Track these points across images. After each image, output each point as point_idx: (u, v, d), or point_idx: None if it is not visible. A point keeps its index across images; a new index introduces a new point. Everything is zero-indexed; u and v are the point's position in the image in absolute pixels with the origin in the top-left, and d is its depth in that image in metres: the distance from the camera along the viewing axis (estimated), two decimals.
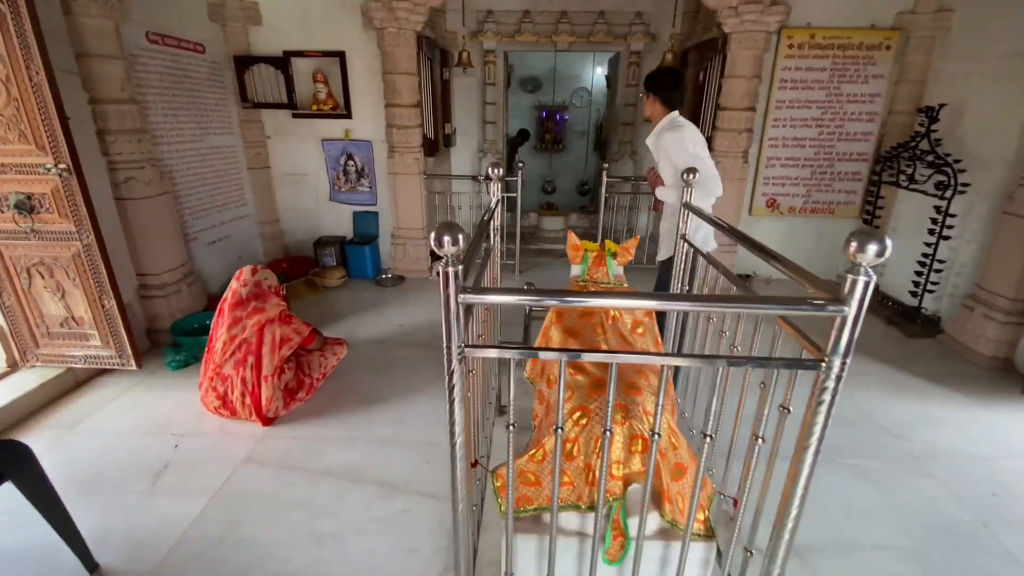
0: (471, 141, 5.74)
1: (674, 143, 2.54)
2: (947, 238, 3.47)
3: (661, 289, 2.89)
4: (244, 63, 4.07)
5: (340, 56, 4.10)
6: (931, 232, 3.55)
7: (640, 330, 1.79)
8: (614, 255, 1.99)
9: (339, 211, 4.62)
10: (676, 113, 2.68)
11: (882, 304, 4.01)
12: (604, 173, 4.39)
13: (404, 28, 3.88)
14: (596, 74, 7.66)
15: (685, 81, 2.83)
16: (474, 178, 4.55)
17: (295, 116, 4.30)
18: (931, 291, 3.63)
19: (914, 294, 3.73)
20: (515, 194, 4.49)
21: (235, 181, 4.17)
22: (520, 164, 4.41)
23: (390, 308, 3.93)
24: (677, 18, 4.76)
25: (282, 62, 4.11)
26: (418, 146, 4.30)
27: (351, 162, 4.43)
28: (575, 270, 2.09)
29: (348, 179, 4.50)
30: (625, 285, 2.04)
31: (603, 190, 4.44)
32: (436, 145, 4.80)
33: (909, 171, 3.75)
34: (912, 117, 4.02)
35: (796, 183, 4.32)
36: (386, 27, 3.86)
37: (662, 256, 2.91)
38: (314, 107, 4.22)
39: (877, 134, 4.17)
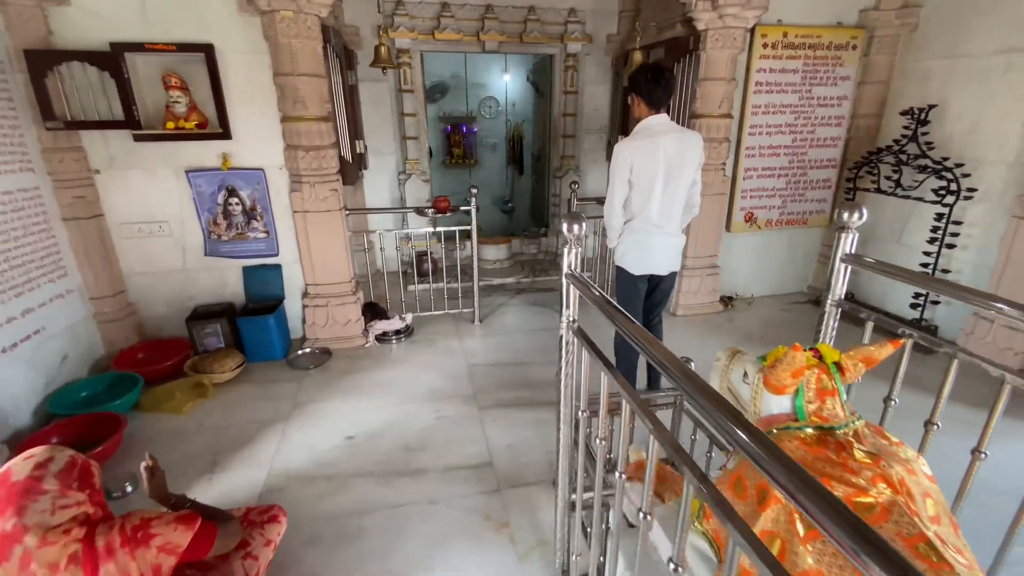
0: (387, 162, 4.66)
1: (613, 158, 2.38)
2: (952, 246, 3.26)
3: (623, 302, 2.62)
4: (43, 61, 2.63)
5: (206, 51, 2.84)
6: (932, 240, 3.33)
7: (930, 502, 1.00)
8: (840, 369, 1.16)
9: (222, 269, 3.28)
10: (655, 117, 2.39)
11: (882, 321, 3.75)
12: (573, 194, 3.64)
13: (305, 12, 2.76)
14: (506, 82, 6.97)
15: (672, 79, 2.43)
16: (420, 211, 3.50)
17: (139, 139, 2.92)
18: (936, 302, 3.42)
19: (915, 306, 3.50)
20: (469, 227, 3.55)
21: (42, 242, 2.68)
22: (474, 190, 3.48)
23: (323, 406, 2.75)
24: (622, 19, 4.20)
25: (111, 60, 2.73)
26: (334, 173, 3.17)
27: (234, 200, 3.15)
28: (776, 402, 1.17)
29: (232, 223, 3.20)
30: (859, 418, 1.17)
31: (573, 200, 3.68)
32: (354, 169, 3.68)
33: (895, 176, 3.53)
34: (876, 120, 3.86)
35: (772, 194, 3.96)
36: (278, 10, 2.71)
37: (629, 268, 2.59)
38: (170, 125, 2.89)
39: (844, 139, 3.96)
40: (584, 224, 1.32)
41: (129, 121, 2.85)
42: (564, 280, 1.34)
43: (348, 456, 2.34)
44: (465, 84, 6.76)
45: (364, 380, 3.02)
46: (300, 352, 3.30)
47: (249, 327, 3.15)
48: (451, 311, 3.83)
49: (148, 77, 2.87)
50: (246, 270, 3.31)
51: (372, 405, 2.75)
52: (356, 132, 4.16)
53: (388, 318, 3.55)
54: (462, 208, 3.53)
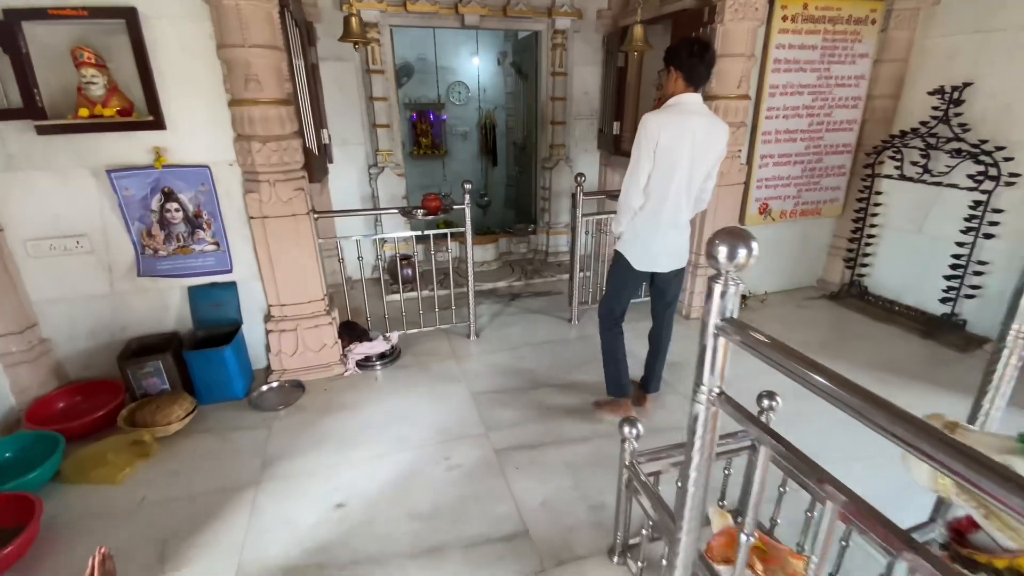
0: (355, 154, 4.07)
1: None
2: (990, 236, 3.03)
3: (616, 291, 2.38)
4: None
5: (127, 16, 2.21)
6: (968, 230, 3.09)
7: None
8: None
9: (161, 291, 2.67)
10: (690, 95, 2.09)
11: (907, 315, 3.53)
12: (579, 188, 3.20)
13: None
14: (476, 66, 6.43)
15: (715, 55, 2.14)
16: (406, 212, 2.95)
17: (43, 131, 2.27)
18: (971, 295, 3.19)
19: (945, 300, 3.27)
20: (464, 228, 3.06)
21: None
22: (467, 186, 2.97)
23: (300, 462, 2.22)
24: None
25: (5, 31, 2.08)
26: (299, 168, 2.61)
27: (173, 205, 2.54)
28: None
29: (172, 235, 2.58)
30: None
31: (579, 211, 3.24)
32: (321, 163, 3.10)
33: (923, 162, 3.27)
34: (892, 101, 3.60)
35: (788, 183, 3.65)
36: None
37: (631, 259, 2.27)
38: (83, 112, 2.25)
39: (860, 122, 3.69)
40: (753, 246, 0.87)
41: (29, 109, 2.21)
42: (711, 332, 0.90)
43: (340, 533, 1.83)
44: (435, 67, 6.18)
45: (348, 421, 2.49)
46: (266, 388, 2.73)
47: (200, 362, 2.56)
48: (442, 326, 3.33)
49: (54, 52, 2.22)
50: (193, 291, 2.70)
51: (362, 456, 2.24)
52: (320, 119, 3.56)
53: (370, 339, 3.03)
54: (456, 206, 3.03)
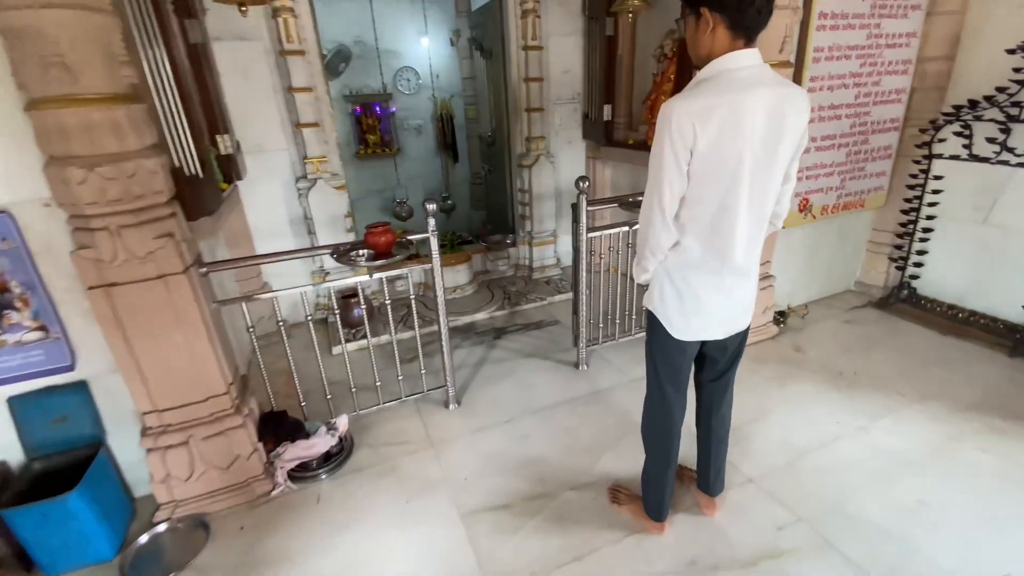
0: (276, 164, 3.09)
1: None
2: None
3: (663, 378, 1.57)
4: None
5: None
6: None
7: None
8: None
9: None
10: (742, 53, 1.23)
11: (979, 325, 2.90)
12: (582, 196, 2.36)
13: None
14: (426, 48, 5.47)
15: None
16: (343, 257, 1.98)
17: None
18: None
19: None
20: (431, 256, 2.18)
21: None
22: (430, 207, 2.07)
23: None
24: None
25: None
26: (162, 202, 1.66)
27: None
28: None
29: None
30: None
31: (582, 226, 2.41)
32: (212, 190, 2.12)
33: (1001, 138, 2.61)
34: (946, 64, 2.92)
35: (831, 172, 2.93)
36: None
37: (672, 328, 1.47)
38: None
39: (908, 91, 3.00)
40: None
41: None
42: None
43: None
44: (376, 51, 5.19)
45: None
46: (146, 538, 1.80)
47: (29, 523, 1.61)
48: (409, 396, 2.45)
49: None
50: (17, 403, 1.73)
51: None
52: (218, 121, 2.58)
53: (307, 434, 2.12)
54: (411, 236, 2.15)
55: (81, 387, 1.80)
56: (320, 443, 2.09)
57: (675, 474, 1.67)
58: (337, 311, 2.24)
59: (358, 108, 5.54)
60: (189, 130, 1.90)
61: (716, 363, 1.55)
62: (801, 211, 2.92)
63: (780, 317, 3.08)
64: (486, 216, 5.15)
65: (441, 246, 4.40)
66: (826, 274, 3.35)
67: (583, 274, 2.53)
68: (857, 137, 2.93)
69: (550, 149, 3.71)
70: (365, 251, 1.91)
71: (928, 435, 2.13)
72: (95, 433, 1.84)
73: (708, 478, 1.72)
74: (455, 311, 3.39)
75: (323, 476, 2.08)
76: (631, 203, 2.53)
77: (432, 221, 2.06)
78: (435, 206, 2.03)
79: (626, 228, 2.56)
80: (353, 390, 2.31)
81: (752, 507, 1.82)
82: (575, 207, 2.40)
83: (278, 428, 2.08)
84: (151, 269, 1.63)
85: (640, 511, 1.75)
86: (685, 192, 1.28)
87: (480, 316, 3.36)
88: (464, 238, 4.96)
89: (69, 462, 1.77)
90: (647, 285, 1.48)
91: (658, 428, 1.59)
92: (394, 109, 5.69)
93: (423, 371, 2.41)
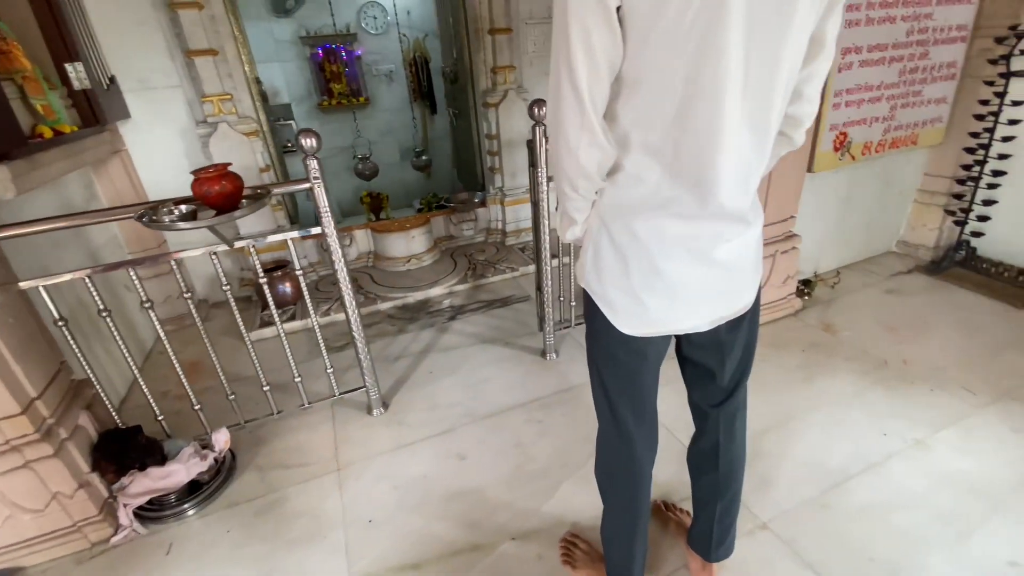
0: (167, 104, 2.47)
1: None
2: None
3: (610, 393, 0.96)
4: None
5: None
6: None
7: None
8: None
9: None
10: None
11: None
12: (539, 127, 1.71)
13: None
14: None
15: None
16: (155, 222, 1.31)
17: None
18: None
19: None
20: (320, 216, 1.58)
21: None
22: (307, 141, 1.44)
23: None
24: None
25: None
26: None
27: None
28: None
29: None
30: None
31: (541, 170, 1.77)
32: (3, 128, 1.51)
33: None
34: None
35: (878, 97, 2.23)
36: None
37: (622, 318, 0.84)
38: None
39: None
40: None
41: None
42: None
43: None
44: None
45: None
46: None
47: None
48: (317, 401, 1.90)
49: None
50: None
51: None
52: (65, 46, 1.96)
53: (162, 458, 1.59)
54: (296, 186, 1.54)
55: None
56: (180, 470, 1.55)
57: (646, 528, 1.09)
58: (265, 285, 1.65)
59: (319, 51, 4.83)
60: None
61: (711, 375, 0.95)
62: (836, 150, 2.25)
63: (804, 287, 2.46)
64: (457, 172, 4.50)
65: (418, 210, 3.83)
66: (864, 231, 2.69)
67: (546, 238, 1.91)
68: (915, 48, 2.21)
69: (522, 82, 3.02)
70: (190, 207, 1.30)
71: (1014, 453, 1.54)
72: None
73: (708, 538, 1.14)
74: (406, 285, 2.81)
75: (190, 513, 1.56)
76: None
77: (314, 165, 1.45)
78: (313, 141, 1.41)
79: None
80: (266, 388, 1.76)
81: (767, 570, 1.26)
82: (531, 145, 1.76)
83: (122, 452, 1.54)
84: None
85: None
86: (619, 63, 0.65)
87: (436, 291, 2.78)
88: (445, 201, 4.34)
89: None
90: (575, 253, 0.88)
91: (615, 472, 1.02)
92: (359, 52, 4.97)
93: (330, 368, 1.84)
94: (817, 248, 2.52)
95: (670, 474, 1.49)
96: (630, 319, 0.81)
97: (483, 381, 2.05)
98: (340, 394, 1.89)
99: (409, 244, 3.00)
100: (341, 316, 2.56)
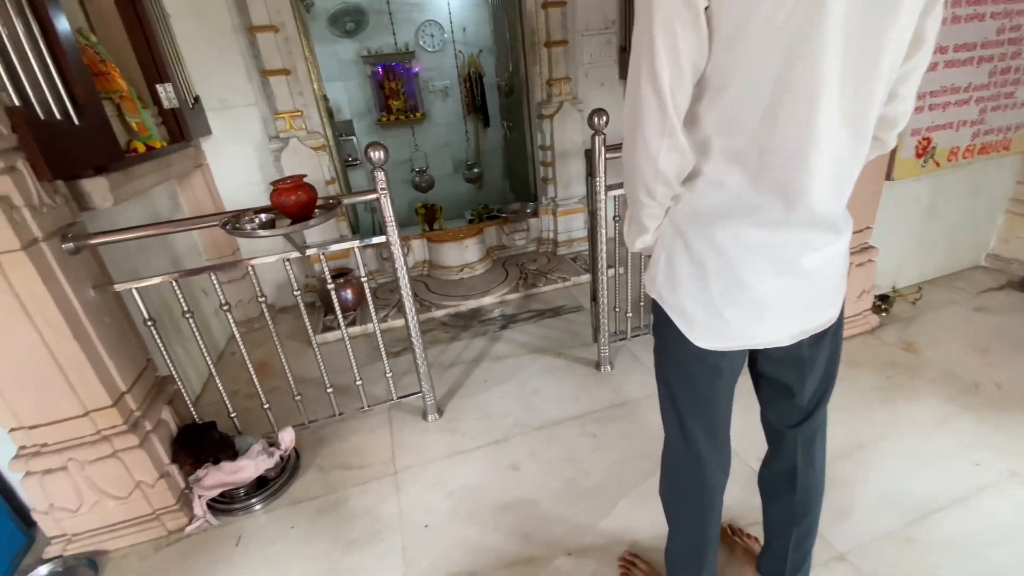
0: (243, 121, 2.64)
1: None
2: None
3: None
4: None
5: None
6: None
7: None
8: None
9: None
10: None
11: None
12: (598, 136, 1.69)
13: None
14: None
15: None
16: (235, 228, 1.40)
17: None
18: None
19: None
20: (385, 225, 1.63)
21: None
22: (378, 162, 1.50)
23: None
24: None
25: None
26: None
27: None
28: None
29: None
30: None
31: (599, 180, 1.76)
32: (87, 135, 1.66)
33: None
34: None
35: (966, 99, 2.08)
36: None
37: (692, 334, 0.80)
38: None
39: None
40: None
41: None
42: None
43: None
44: (387, 2, 4.63)
45: None
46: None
47: None
48: (376, 405, 1.95)
49: None
50: None
51: None
52: (156, 68, 2.14)
53: (233, 454, 1.67)
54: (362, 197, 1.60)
55: None
56: (249, 466, 1.63)
57: (716, 555, 1.04)
58: (333, 289, 1.74)
59: (379, 69, 5.04)
60: (56, 66, 1.44)
61: (789, 393, 0.90)
62: (919, 156, 2.10)
63: (881, 303, 2.30)
64: (509, 183, 4.54)
65: (469, 221, 3.90)
66: (948, 244, 2.49)
67: (602, 247, 1.89)
68: (1007, 47, 2.04)
69: (577, 94, 3.03)
70: (267, 216, 1.38)
71: None
72: None
73: (782, 565, 1.07)
74: (459, 294, 2.85)
75: (257, 507, 1.63)
76: None
77: (381, 177, 1.50)
78: (381, 154, 1.46)
79: None
80: (330, 390, 1.83)
81: None
82: (589, 154, 1.75)
83: (198, 446, 1.64)
84: None
85: None
86: (704, 66, 0.64)
87: (488, 300, 2.80)
88: (496, 212, 4.40)
89: None
90: (647, 264, 0.86)
91: (683, 494, 0.98)
92: (417, 69, 5.14)
93: (388, 372, 1.89)
94: (896, 261, 2.36)
95: (736, 497, 1.41)
96: (707, 332, 0.78)
97: (535, 392, 2.04)
98: (398, 398, 1.93)
99: (463, 253, 3.05)
100: (397, 323, 2.63)
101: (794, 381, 0.87)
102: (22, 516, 1.58)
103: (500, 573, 1.33)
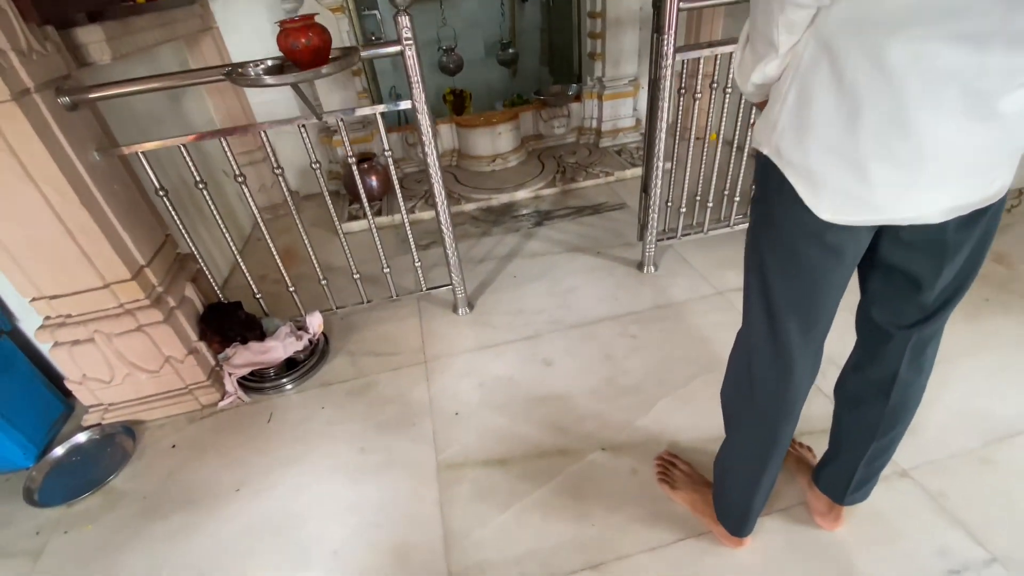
0: None
1: None
2: None
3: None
4: None
5: None
6: None
7: None
8: None
9: None
10: None
11: None
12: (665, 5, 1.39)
13: None
14: None
15: None
16: (248, 79, 1.21)
17: None
18: None
19: None
20: (412, 97, 1.43)
21: None
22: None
23: None
24: None
25: None
26: None
27: None
28: None
29: None
30: None
31: (666, 42, 1.47)
32: None
33: None
34: None
35: None
36: None
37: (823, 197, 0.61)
38: None
39: None
40: None
41: None
42: None
43: None
44: None
45: (185, 540, 1.21)
46: (65, 448, 1.48)
47: None
48: (404, 295, 1.86)
49: None
50: None
51: None
52: None
53: (261, 334, 1.63)
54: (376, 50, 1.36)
55: None
56: (278, 347, 1.59)
57: (780, 465, 0.94)
58: (358, 175, 1.59)
59: None
60: None
61: (916, 286, 0.72)
62: None
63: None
64: (549, 61, 4.09)
65: (490, 100, 3.54)
66: None
67: (661, 130, 1.63)
68: None
69: None
70: (280, 63, 1.18)
71: None
72: None
73: (848, 479, 0.97)
74: (491, 187, 2.65)
75: (288, 387, 1.62)
76: None
77: (406, 23, 1.26)
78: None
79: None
80: (356, 276, 1.74)
81: (907, 522, 1.09)
82: (658, 4, 1.44)
83: (225, 325, 1.60)
84: None
85: (705, 507, 1.09)
86: None
87: (522, 194, 2.60)
88: (533, 95, 4.01)
89: None
90: (761, 108, 0.66)
91: (760, 399, 0.84)
92: None
93: (418, 262, 1.77)
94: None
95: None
96: (840, 198, 0.60)
97: (571, 290, 1.91)
98: (427, 289, 1.83)
99: (495, 142, 2.80)
100: (425, 215, 2.48)
101: (927, 273, 0.69)
102: (58, 385, 1.61)
103: (532, 463, 1.29)
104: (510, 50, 4.59)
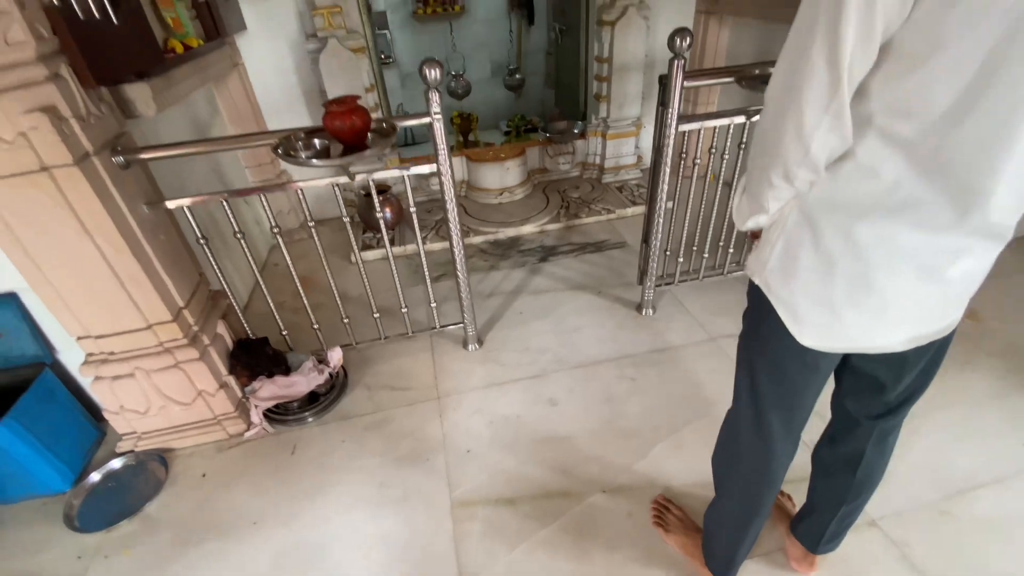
0: (281, 12, 2.43)
1: None
2: None
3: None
4: None
5: None
6: None
7: None
8: None
9: None
10: None
11: None
12: (678, 61, 1.51)
13: None
14: None
15: None
16: (287, 154, 1.30)
17: None
18: None
19: None
20: (436, 151, 1.55)
21: None
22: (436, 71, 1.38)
23: None
24: None
25: None
26: (30, 59, 1.13)
27: None
28: None
29: None
30: None
31: (673, 108, 1.60)
32: (124, 36, 1.54)
33: None
34: None
35: None
36: None
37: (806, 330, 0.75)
38: None
39: None
40: None
41: None
42: None
43: None
44: None
45: (214, 567, 1.32)
46: (99, 475, 1.58)
47: None
48: (419, 332, 1.98)
49: None
50: None
51: None
52: None
53: (286, 369, 1.75)
54: (409, 121, 1.50)
55: (10, 300, 1.49)
56: (302, 381, 1.71)
57: (762, 526, 1.07)
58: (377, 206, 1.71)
59: None
60: None
61: (879, 388, 0.86)
62: None
63: None
64: (555, 96, 4.23)
65: (505, 133, 3.70)
66: None
67: (664, 184, 1.77)
68: None
69: None
70: (315, 140, 1.30)
71: None
72: (38, 353, 1.56)
73: (821, 533, 1.11)
74: (498, 220, 2.77)
75: (309, 420, 1.73)
76: (756, 77, 1.60)
77: (435, 98, 1.38)
78: (437, 72, 1.33)
79: (742, 119, 1.70)
80: (376, 316, 1.86)
81: (873, 569, 1.22)
82: (664, 80, 1.58)
83: (253, 360, 1.71)
84: (28, 159, 1.17)
85: (695, 550, 1.22)
86: (895, 28, 0.52)
87: (528, 229, 2.73)
88: (534, 124, 4.15)
89: (12, 381, 1.52)
90: (752, 241, 0.79)
91: (744, 473, 0.97)
92: None
93: (433, 303, 1.89)
94: None
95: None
96: (816, 331, 0.73)
97: (574, 329, 2.04)
98: (440, 327, 1.95)
99: (503, 176, 2.93)
100: (436, 246, 2.60)
101: (888, 379, 0.82)
102: (92, 411, 1.71)
103: (538, 504, 1.42)
104: (517, 75, 4.73)
